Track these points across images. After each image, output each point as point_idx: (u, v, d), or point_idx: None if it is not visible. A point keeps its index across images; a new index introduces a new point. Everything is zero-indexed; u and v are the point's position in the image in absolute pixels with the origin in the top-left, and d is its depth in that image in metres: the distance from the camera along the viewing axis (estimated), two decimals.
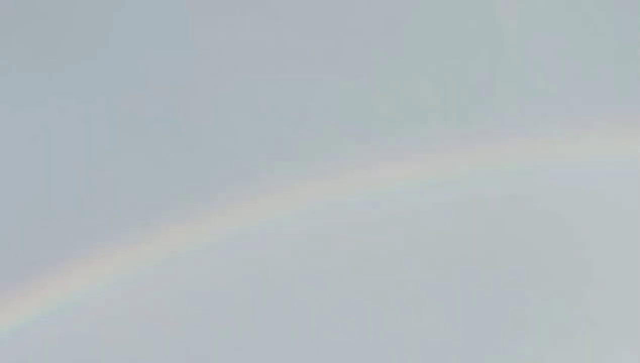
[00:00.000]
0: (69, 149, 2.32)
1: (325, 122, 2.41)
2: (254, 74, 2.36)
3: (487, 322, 2.18)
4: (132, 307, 2.17)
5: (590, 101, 2.42)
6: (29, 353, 2.10)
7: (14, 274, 2.09)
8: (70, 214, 2.25)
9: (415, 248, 2.26)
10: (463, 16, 2.45)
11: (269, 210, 2.32)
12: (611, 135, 2.37)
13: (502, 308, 2.21)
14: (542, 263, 2.26)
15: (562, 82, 2.42)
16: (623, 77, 2.42)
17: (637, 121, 2.34)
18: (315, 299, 2.23)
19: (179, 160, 2.32)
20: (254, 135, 2.40)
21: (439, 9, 2.45)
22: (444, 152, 2.38)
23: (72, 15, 2.33)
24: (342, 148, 2.38)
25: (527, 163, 2.39)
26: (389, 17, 2.45)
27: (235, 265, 2.26)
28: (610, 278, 2.22)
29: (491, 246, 2.29)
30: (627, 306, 2.19)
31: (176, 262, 2.25)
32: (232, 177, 2.33)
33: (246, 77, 2.39)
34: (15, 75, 2.33)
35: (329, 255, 2.26)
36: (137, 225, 2.24)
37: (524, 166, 2.39)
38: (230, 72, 2.39)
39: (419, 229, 2.28)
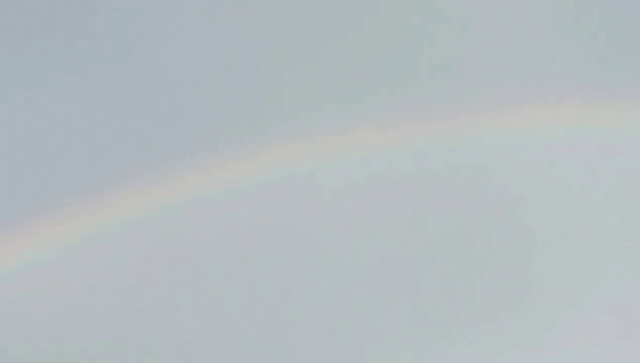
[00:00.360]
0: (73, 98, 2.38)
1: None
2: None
3: (435, 295, 2.20)
4: (130, 253, 2.22)
5: (546, 71, 2.46)
6: (31, 296, 2.06)
7: (15, 218, 2.13)
8: (73, 160, 2.34)
9: (364, 223, 2.26)
10: None
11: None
12: (566, 106, 2.43)
13: (449, 282, 2.22)
14: (490, 237, 2.26)
15: (514, 53, 2.45)
16: (578, 47, 2.47)
17: (592, 92, 2.38)
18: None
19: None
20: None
21: None
22: (391, 124, 2.40)
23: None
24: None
25: (477, 135, 2.43)
26: None
27: (229, 218, 2.29)
28: (559, 250, 2.22)
29: (440, 220, 2.31)
30: (576, 281, 2.18)
31: (177, 211, 2.27)
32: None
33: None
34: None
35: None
36: (140, 173, 2.31)
37: (473, 138, 2.41)
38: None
39: (368, 202, 2.28)
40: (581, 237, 2.20)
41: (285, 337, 2.14)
